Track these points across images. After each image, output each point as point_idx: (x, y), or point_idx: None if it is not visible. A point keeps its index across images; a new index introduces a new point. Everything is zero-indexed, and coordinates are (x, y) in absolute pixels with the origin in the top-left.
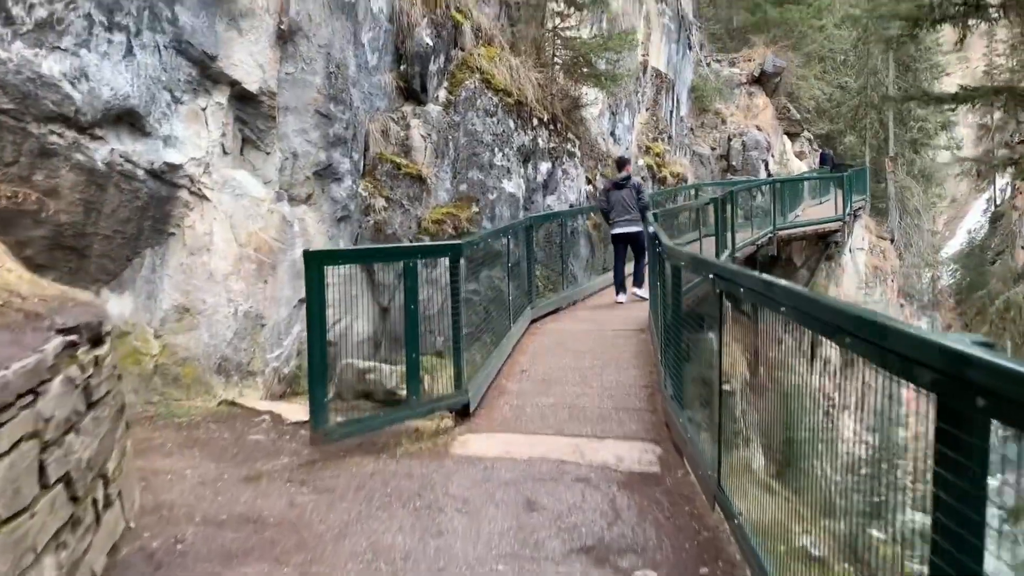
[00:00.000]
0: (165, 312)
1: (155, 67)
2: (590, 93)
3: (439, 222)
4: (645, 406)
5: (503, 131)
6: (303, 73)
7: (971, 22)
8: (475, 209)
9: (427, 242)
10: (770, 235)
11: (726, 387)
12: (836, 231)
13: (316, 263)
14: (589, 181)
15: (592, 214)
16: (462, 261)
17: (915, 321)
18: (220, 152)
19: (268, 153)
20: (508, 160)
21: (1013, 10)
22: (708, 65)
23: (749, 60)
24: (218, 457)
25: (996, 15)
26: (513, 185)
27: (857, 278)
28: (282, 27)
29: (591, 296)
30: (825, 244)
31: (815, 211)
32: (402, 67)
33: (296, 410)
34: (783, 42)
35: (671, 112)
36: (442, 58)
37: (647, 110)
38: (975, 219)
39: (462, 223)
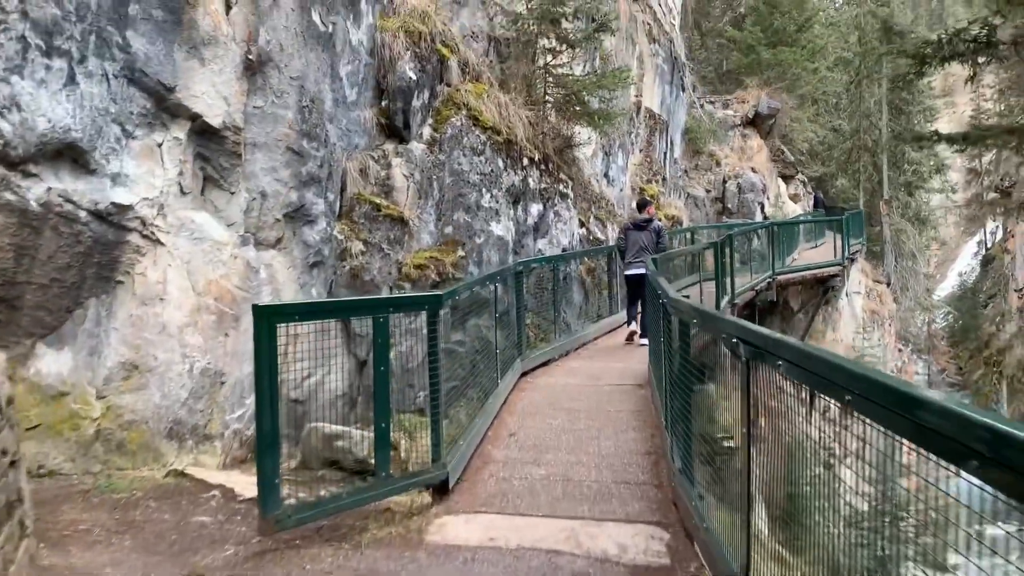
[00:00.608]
0: (110, 370)
1: (102, 97)
2: (583, 132)
3: (422, 267)
4: (649, 479)
5: (491, 171)
6: (273, 107)
7: (980, 60)
8: (461, 253)
9: (408, 290)
10: (769, 280)
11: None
12: (835, 275)
13: (265, 320)
14: (582, 224)
15: (586, 258)
16: (442, 314)
17: (912, 366)
18: (177, 192)
19: (232, 193)
20: (497, 201)
21: None
22: (702, 107)
23: (743, 102)
24: (151, 548)
25: (1007, 52)
26: (502, 228)
27: (854, 323)
28: (250, 57)
29: (585, 345)
30: (824, 288)
31: (811, 254)
32: (383, 103)
33: (253, 482)
34: (777, 84)
35: (665, 154)
36: (426, 93)
37: (641, 151)
38: (966, 262)
39: (447, 268)
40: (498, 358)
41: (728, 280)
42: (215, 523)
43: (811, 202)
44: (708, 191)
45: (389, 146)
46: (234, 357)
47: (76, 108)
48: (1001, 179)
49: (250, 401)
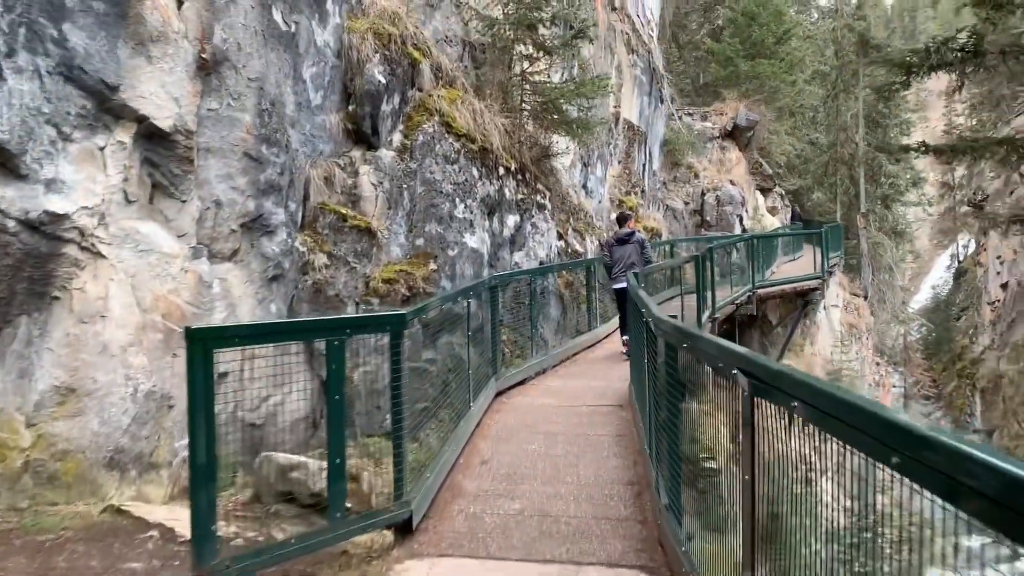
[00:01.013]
0: (42, 394)
1: (34, 96)
2: (561, 142)
3: (391, 282)
4: (632, 513)
5: (465, 180)
6: (230, 109)
7: (968, 69)
8: (433, 267)
9: (375, 306)
10: (749, 293)
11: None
12: (815, 288)
13: (200, 345)
14: (561, 236)
15: (564, 272)
16: (407, 335)
17: (888, 379)
18: (121, 200)
19: (184, 201)
20: (471, 212)
21: (1012, 57)
22: (680, 119)
23: (721, 114)
24: None
25: (994, 62)
26: (476, 240)
27: (832, 336)
28: (204, 56)
29: (564, 362)
30: (804, 302)
31: (789, 268)
32: (351, 107)
33: None
34: (755, 96)
35: (644, 166)
36: (397, 98)
37: (619, 163)
38: (939, 275)
39: (417, 283)
40: (471, 378)
41: (709, 294)
42: (148, 570)
43: (788, 215)
44: (687, 203)
45: (356, 153)
46: (183, 379)
47: (3, 107)
48: (974, 193)
49: None
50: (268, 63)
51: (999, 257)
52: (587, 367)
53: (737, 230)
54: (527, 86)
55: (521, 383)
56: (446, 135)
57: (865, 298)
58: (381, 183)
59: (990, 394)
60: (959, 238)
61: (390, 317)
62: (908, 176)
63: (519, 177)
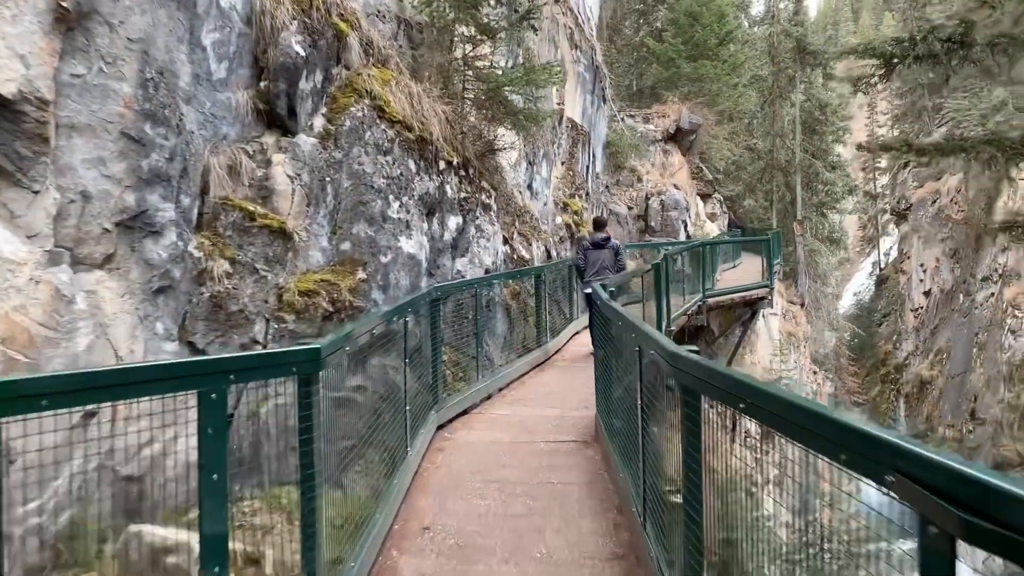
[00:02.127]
0: None
1: None
2: (506, 136)
3: (310, 294)
4: None
5: (401, 174)
6: (102, 76)
7: (954, 62)
8: (361, 275)
9: (289, 324)
10: (700, 303)
11: None
12: (762, 297)
13: None
14: (506, 241)
15: (510, 281)
16: (323, 377)
17: (825, 387)
18: None
19: (36, 192)
20: (407, 211)
21: (1001, 49)
22: (622, 120)
23: (663, 116)
24: None
25: (981, 55)
26: (414, 244)
27: (771, 345)
28: (64, 4)
29: (512, 385)
30: (752, 311)
31: (730, 276)
32: (263, 83)
33: None
34: (697, 99)
35: (587, 167)
36: (319, 75)
37: (563, 164)
38: (860, 281)
39: (343, 295)
40: (408, 413)
41: (665, 304)
42: None
43: (725, 222)
44: (630, 208)
45: (269, 138)
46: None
47: None
48: (897, 202)
49: (59, 483)
50: (155, 22)
51: (922, 265)
52: (539, 390)
53: (682, 236)
54: (469, 72)
55: (465, 412)
56: (378, 121)
57: (802, 306)
58: (299, 175)
59: (914, 399)
60: (880, 246)
61: (297, 354)
62: (844, 184)
63: (462, 173)
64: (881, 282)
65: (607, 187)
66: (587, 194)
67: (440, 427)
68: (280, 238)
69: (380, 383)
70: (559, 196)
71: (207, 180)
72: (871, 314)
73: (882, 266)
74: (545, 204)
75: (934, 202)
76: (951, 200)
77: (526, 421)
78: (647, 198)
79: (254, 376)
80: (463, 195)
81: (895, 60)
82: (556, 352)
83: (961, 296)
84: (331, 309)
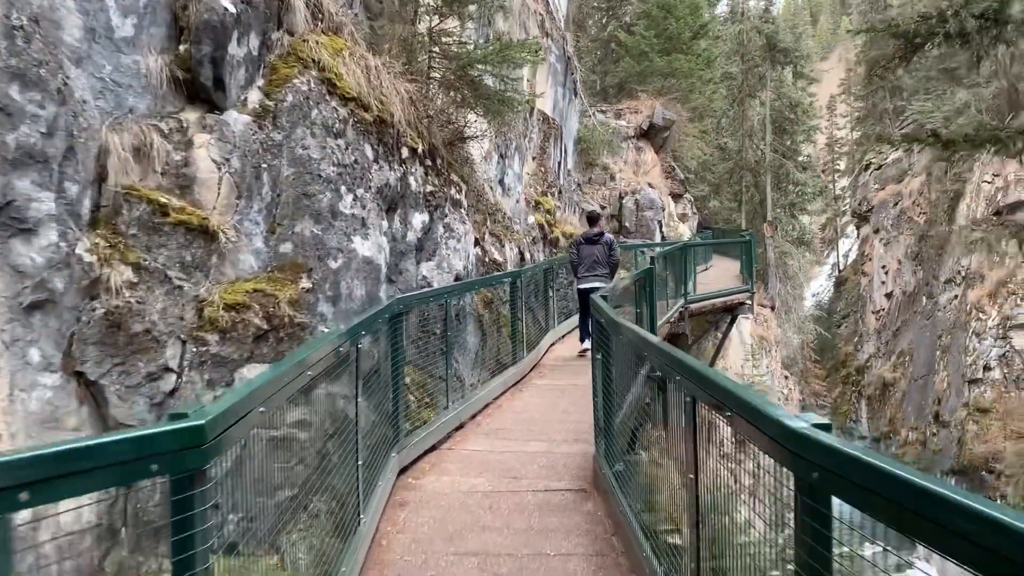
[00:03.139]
0: None
1: None
2: (476, 123)
3: (239, 308)
4: None
5: (355, 161)
6: None
7: (985, 42)
8: (306, 284)
9: (212, 346)
10: (682, 309)
11: None
12: (743, 302)
13: None
14: (477, 242)
15: (483, 288)
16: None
17: (795, 393)
18: None
19: None
20: (363, 206)
21: None
22: (593, 115)
23: (636, 112)
24: None
25: (1013, 35)
26: (371, 245)
27: (743, 349)
28: None
29: (488, 410)
30: (733, 316)
31: (702, 279)
32: (183, 46)
33: None
34: (670, 95)
35: (559, 163)
36: (254, 39)
37: (534, 159)
38: (819, 283)
39: (281, 309)
40: (360, 469)
41: (653, 312)
42: None
43: (695, 223)
44: (604, 207)
45: (190, 114)
46: None
47: None
48: (859, 204)
49: None
50: None
51: (884, 267)
52: (519, 416)
53: (657, 237)
54: (436, 49)
55: (433, 448)
56: (328, 96)
57: (773, 309)
58: (227, 160)
59: (876, 401)
60: (839, 247)
61: (162, 440)
62: (815, 184)
63: (428, 163)
64: (840, 284)
65: (579, 185)
66: (559, 192)
67: (403, 470)
68: (202, 238)
69: (328, 412)
70: (530, 194)
71: (105, 164)
72: (830, 316)
73: (841, 268)
74: (517, 201)
75: (896, 204)
76: (913, 202)
77: (507, 460)
78: (621, 197)
79: (69, 490)
80: (430, 188)
81: (918, 40)
82: (533, 368)
83: (924, 298)
84: (266, 327)
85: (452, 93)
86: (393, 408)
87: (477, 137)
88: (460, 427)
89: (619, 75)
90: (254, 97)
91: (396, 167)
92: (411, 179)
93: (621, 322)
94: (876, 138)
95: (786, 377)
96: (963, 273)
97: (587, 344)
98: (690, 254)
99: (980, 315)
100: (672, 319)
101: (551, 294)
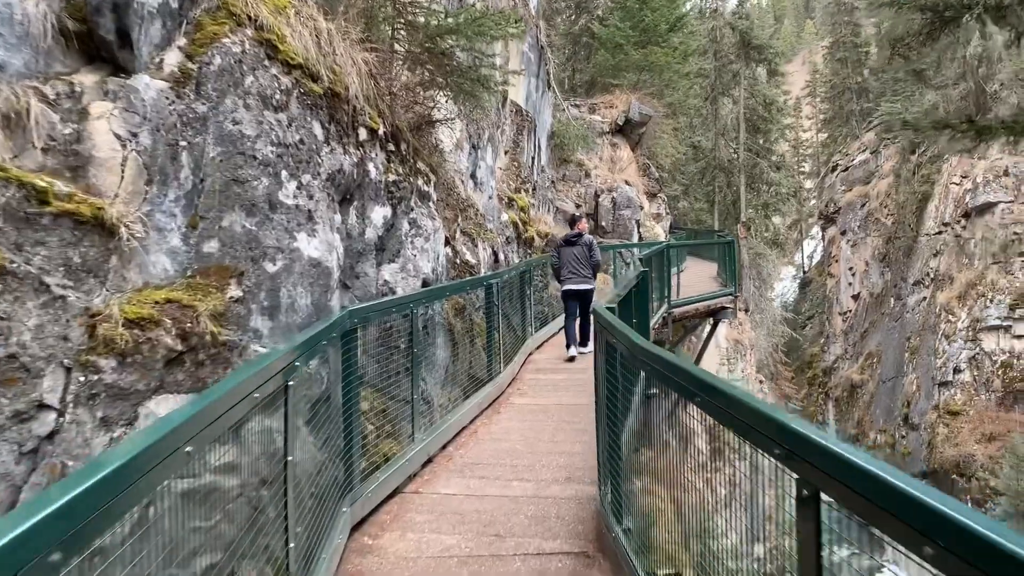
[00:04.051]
0: None
1: None
2: (446, 106)
3: (144, 324)
4: None
5: (300, 141)
6: None
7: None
8: (235, 292)
9: (106, 375)
10: (665, 315)
11: None
12: (725, 306)
13: None
14: (448, 242)
15: (455, 294)
16: None
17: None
18: None
19: None
20: (310, 196)
21: None
22: (566, 109)
23: (611, 107)
24: None
25: None
26: (319, 244)
27: (718, 353)
28: None
29: (461, 436)
30: (715, 321)
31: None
32: None
33: None
34: (646, 89)
35: (533, 159)
36: None
37: (507, 153)
38: (783, 284)
39: (202, 324)
40: (293, 541)
41: (647, 319)
42: None
43: (668, 223)
44: (579, 206)
45: (87, 77)
46: None
47: None
48: (826, 205)
49: None
50: None
51: (851, 268)
52: (498, 446)
53: (635, 238)
54: (401, 20)
55: (396, 492)
56: (267, 62)
57: (747, 312)
58: (135, 136)
59: (843, 403)
60: (804, 248)
61: None
62: (788, 184)
63: (391, 147)
64: (805, 285)
65: (553, 182)
66: (534, 188)
67: (358, 524)
68: (96, 234)
69: (263, 453)
70: (503, 190)
71: None
72: (795, 317)
73: (806, 269)
74: (490, 197)
75: (863, 206)
76: (881, 204)
77: (487, 509)
78: (597, 195)
79: None
80: (393, 177)
81: (948, 15)
82: (511, 384)
83: (892, 300)
84: (180, 348)
85: (419, 70)
86: (345, 445)
87: (448, 121)
88: (429, 461)
89: (590, 72)
90: (172, 58)
91: (352, 150)
92: (370, 165)
93: (644, 344)
94: (902, 123)
95: (760, 381)
96: (932, 275)
97: (573, 351)
98: (674, 256)
99: (950, 317)
100: (656, 325)
101: (528, 300)
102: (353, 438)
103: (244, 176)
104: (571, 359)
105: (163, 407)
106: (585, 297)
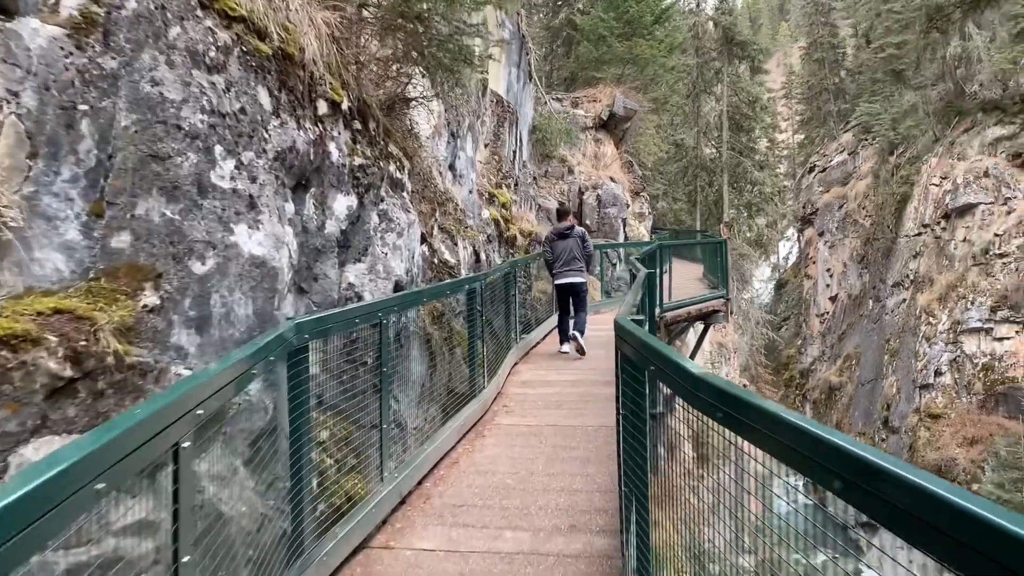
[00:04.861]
0: None
1: None
2: (421, 84)
3: (19, 344)
4: None
5: (241, 110)
6: None
7: None
8: (151, 298)
9: None
10: (657, 319)
11: None
12: (717, 310)
13: None
14: (425, 239)
15: (433, 300)
16: None
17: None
18: None
19: None
20: (252, 178)
21: None
22: (547, 103)
23: (595, 101)
24: None
25: None
26: (263, 239)
27: (702, 357)
28: None
29: (440, 467)
30: (707, 324)
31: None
32: None
33: None
34: (630, 83)
35: (515, 153)
36: None
37: (487, 146)
38: (758, 285)
39: (102, 341)
40: None
41: (652, 324)
42: None
43: (650, 223)
44: (563, 203)
45: None
46: None
47: None
48: (803, 206)
49: None
50: None
51: (829, 270)
52: (485, 482)
53: (620, 237)
54: None
55: (362, 546)
56: (199, 11)
57: (731, 313)
58: (16, 96)
59: (822, 405)
60: (780, 250)
61: None
62: (772, 184)
63: (357, 126)
64: (781, 286)
65: (535, 178)
66: (515, 184)
67: None
68: None
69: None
70: (484, 184)
71: None
72: (773, 318)
73: (782, 270)
74: (471, 192)
75: (841, 207)
76: (859, 205)
77: (475, 573)
78: (581, 192)
79: None
80: (359, 161)
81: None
82: (496, 399)
83: (870, 302)
84: (70, 373)
85: (391, 39)
86: (293, 492)
87: (424, 99)
88: (402, 502)
89: (571, 67)
90: (71, 1)
91: (308, 125)
92: (331, 145)
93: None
94: (947, 104)
95: (745, 385)
96: (911, 276)
97: (567, 348)
98: (666, 256)
99: (930, 319)
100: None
101: (513, 304)
102: (304, 482)
103: (165, 151)
104: (565, 352)
105: (46, 452)
106: (578, 291)
